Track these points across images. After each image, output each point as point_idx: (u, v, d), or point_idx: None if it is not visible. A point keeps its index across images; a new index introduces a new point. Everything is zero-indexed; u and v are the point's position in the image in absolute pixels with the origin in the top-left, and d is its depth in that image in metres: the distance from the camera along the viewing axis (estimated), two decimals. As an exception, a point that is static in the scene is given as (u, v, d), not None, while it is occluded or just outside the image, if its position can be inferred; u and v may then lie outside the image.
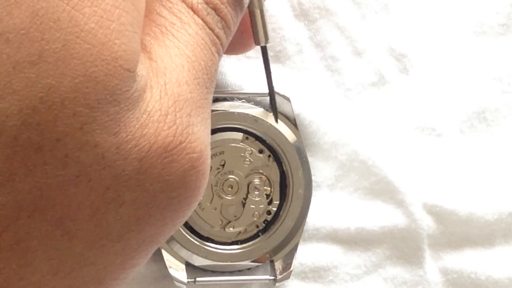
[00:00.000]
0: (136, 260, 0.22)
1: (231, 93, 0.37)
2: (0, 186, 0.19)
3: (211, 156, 0.36)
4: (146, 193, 0.21)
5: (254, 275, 0.37)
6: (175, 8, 0.24)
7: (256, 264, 0.36)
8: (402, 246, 0.38)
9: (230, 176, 0.36)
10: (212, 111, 0.36)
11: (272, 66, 0.38)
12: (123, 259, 0.22)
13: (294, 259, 0.37)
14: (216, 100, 0.36)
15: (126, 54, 0.21)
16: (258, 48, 0.38)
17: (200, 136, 0.23)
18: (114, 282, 0.22)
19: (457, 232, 0.39)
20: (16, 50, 0.19)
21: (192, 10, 0.24)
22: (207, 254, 0.36)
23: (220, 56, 0.25)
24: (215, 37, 0.25)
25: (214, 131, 0.36)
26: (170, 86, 0.23)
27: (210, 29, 0.25)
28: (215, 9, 0.25)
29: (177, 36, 0.24)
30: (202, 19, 0.24)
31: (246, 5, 0.27)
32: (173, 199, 0.22)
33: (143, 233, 0.22)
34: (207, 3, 0.25)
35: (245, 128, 0.36)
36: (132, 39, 0.21)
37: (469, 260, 0.39)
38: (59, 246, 0.20)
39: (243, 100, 0.36)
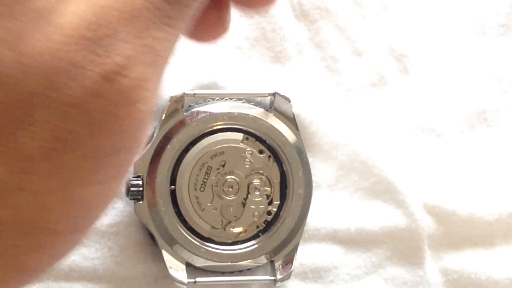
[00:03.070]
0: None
1: (231, 93, 0.37)
2: None
3: (211, 157, 0.36)
4: (59, 110, 0.19)
5: (254, 275, 0.37)
6: None
7: (257, 264, 0.36)
8: (402, 247, 0.38)
9: (230, 176, 0.36)
10: (213, 111, 0.36)
11: (272, 67, 0.38)
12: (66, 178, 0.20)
13: (294, 259, 0.37)
14: (216, 100, 0.36)
15: None
16: (259, 48, 0.38)
17: (126, 52, 0.19)
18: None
19: (457, 233, 0.39)
20: None
21: None
22: (207, 255, 0.36)
23: None
24: None
25: (214, 132, 0.36)
26: None
27: None
28: None
29: None
30: None
31: None
32: (93, 111, 0.19)
33: (77, 152, 0.19)
34: None
35: (245, 128, 0.36)
36: None
37: (469, 261, 0.39)
38: None
39: (243, 100, 0.36)
